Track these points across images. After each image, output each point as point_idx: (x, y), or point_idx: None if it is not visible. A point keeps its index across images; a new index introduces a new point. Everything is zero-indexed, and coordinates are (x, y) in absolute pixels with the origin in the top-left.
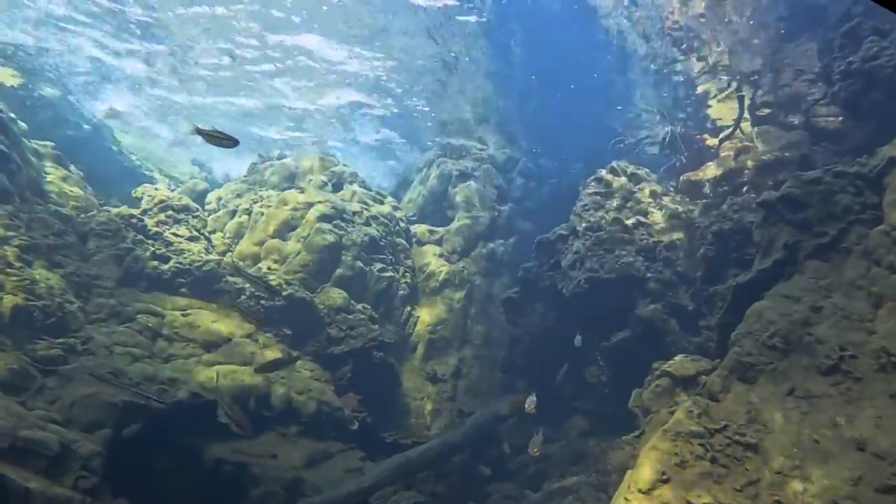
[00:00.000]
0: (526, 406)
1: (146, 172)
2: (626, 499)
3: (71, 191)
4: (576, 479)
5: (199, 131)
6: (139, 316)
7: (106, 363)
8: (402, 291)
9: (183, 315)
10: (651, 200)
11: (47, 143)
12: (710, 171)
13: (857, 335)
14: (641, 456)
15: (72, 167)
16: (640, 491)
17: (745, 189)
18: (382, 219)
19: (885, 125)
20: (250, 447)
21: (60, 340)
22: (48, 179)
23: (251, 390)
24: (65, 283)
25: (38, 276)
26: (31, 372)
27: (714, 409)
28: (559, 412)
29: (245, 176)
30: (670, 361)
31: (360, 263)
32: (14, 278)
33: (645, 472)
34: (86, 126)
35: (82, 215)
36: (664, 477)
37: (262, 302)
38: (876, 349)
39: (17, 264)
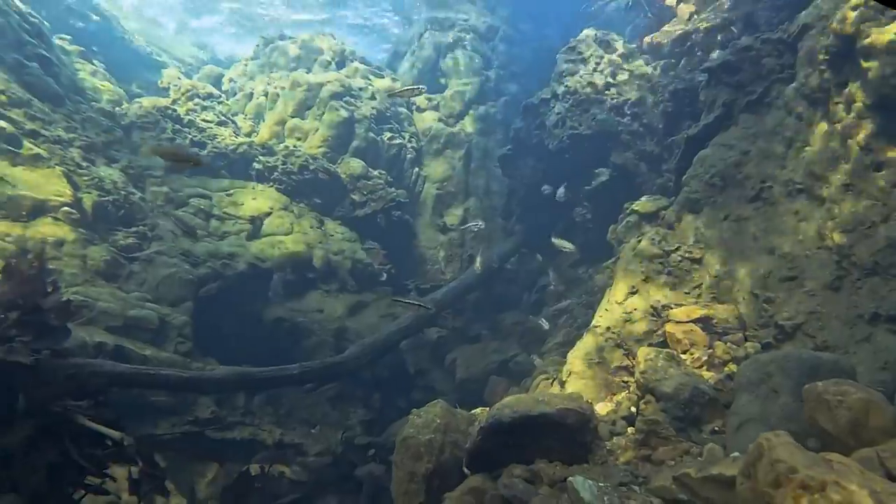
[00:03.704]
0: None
1: (156, 58)
2: (606, 309)
3: (102, 85)
4: (568, 302)
5: None
6: (191, 200)
7: (176, 246)
8: (409, 155)
9: (227, 195)
10: (619, 63)
11: (65, 36)
12: (668, 33)
13: (774, 170)
14: (616, 276)
15: (95, 61)
16: (616, 302)
17: (696, 50)
18: (385, 92)
19: None
20: (301, 305)
21: (133, 229)
22: (80, 76)
23: (295, 256)
24: (124, 177)
25: (102, 174)
26: (120, 260)
27: (670, 235)
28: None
29: (252, 58)
30: (637, 202)
31: (371, 134)
32: (85, 178)
33: (619, 287)
34: (94, 17)
35: (117, 108)
36: (633, 290)
37: (294, 177)
38: (786, 180)
39: (84, 164)
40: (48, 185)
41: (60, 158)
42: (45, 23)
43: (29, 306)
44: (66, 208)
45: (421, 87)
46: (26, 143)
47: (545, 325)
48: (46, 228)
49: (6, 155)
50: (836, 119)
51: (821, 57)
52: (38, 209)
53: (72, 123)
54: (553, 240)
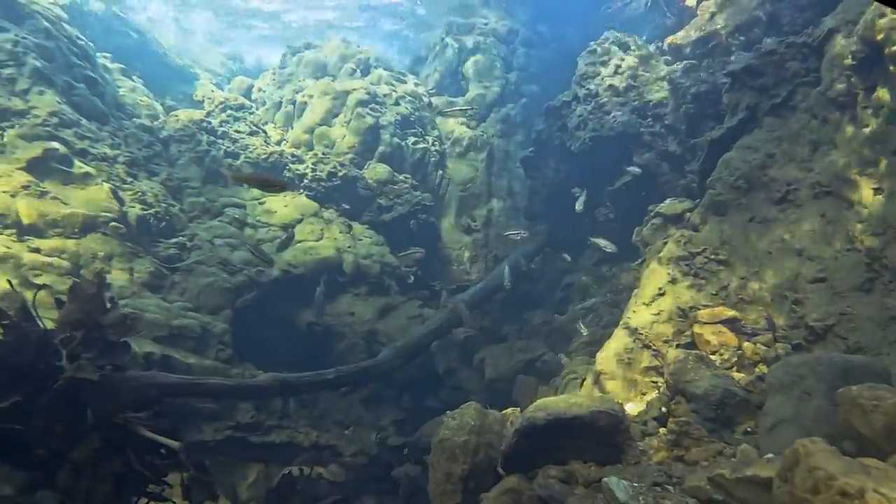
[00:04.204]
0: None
1: (190, 70)
2: (633, 311)
3: (141, 100)
4: (594, 301)
5: None
6: (226, 209)
7: (214, 255)
8: (433, 159)
9: (259, 204)
10: (639, 65)
11: (106, 54)
12: (690, 34)
13: (799, 173)
14: (644, 278)
15: (134, 77)
16: (643, 304)
17: (718, 51)
18: (409, 97)
19: None
20: (332, 309)
21: (173, 240)
22: (122, 93)
23: (326, 261)
24: (164, 189)
25: (144, 187)
26: (163, 271)
27: (695, 237)
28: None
29: (279, 66)
30: (662, 205)
31: (396, 139)
32: (129, 192)
33: (647, 289)
34: (133, 34)
35: (155, 122)
36: (661, 292)
37: (323, 183)
38: (812, 182)
39: (128, 179)
40: (97, 201)
41: (107, 175)
42: (91, 43)
43: (91, 324)
44: (113, 223)
45: (473, 107)
46: (77, 163)
47: (584, 330)
48: (96, 243)
49: (60, 175)
50: (865, 124)
51: (847, 62)
52: (89, 225)
53: (116, 140)
54: (593, 240)
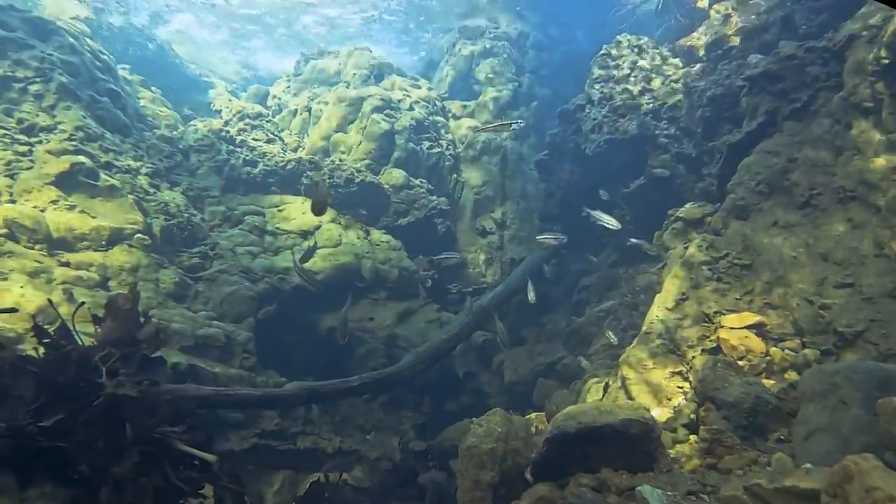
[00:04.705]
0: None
1: (206, 80)
2: (656, 315)
3: (160, 111)
4: (612, 303)
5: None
6: (246, 217)
7: (235, 263)
8: (447, 163)
9: (279, 211)
10: (653, 67)
11: (126, 66)
12: (702, 37)
13: (823, 178)
14: (666, 282)
15: (153, 88)
16: (666, 308)
17: (733, 52)
18: (423, 102)
19: None
20: (351, 315)
21: (196, 250)
22: (142, 104)
23: (346, 267)
24: (185, 199)
25: (167, 198)
26: (187, 281)
27: (717, 242)
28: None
29: (294, 73)
30: (682, 209)
31: (411, 144)
32: (153, 203)
33: (669, 294)
34: (150, 45)
35: (174, 132)
36: (683, 296)
37: (340, 190)
38: (836, 187)
39: (151, 190)
40: (123, 213)
41: (131, 187)
42: (111, 56)
43: (128, 339)
44: (139, 235)
45: (518, 121)
46: (102, 176)
47: (613, 339)
48: (123, 255)
49: (86, 188)
50: (890, 129)
51: (871, 68)
52: (116, 237)
53: (139, 152)
54: (633, 241)
